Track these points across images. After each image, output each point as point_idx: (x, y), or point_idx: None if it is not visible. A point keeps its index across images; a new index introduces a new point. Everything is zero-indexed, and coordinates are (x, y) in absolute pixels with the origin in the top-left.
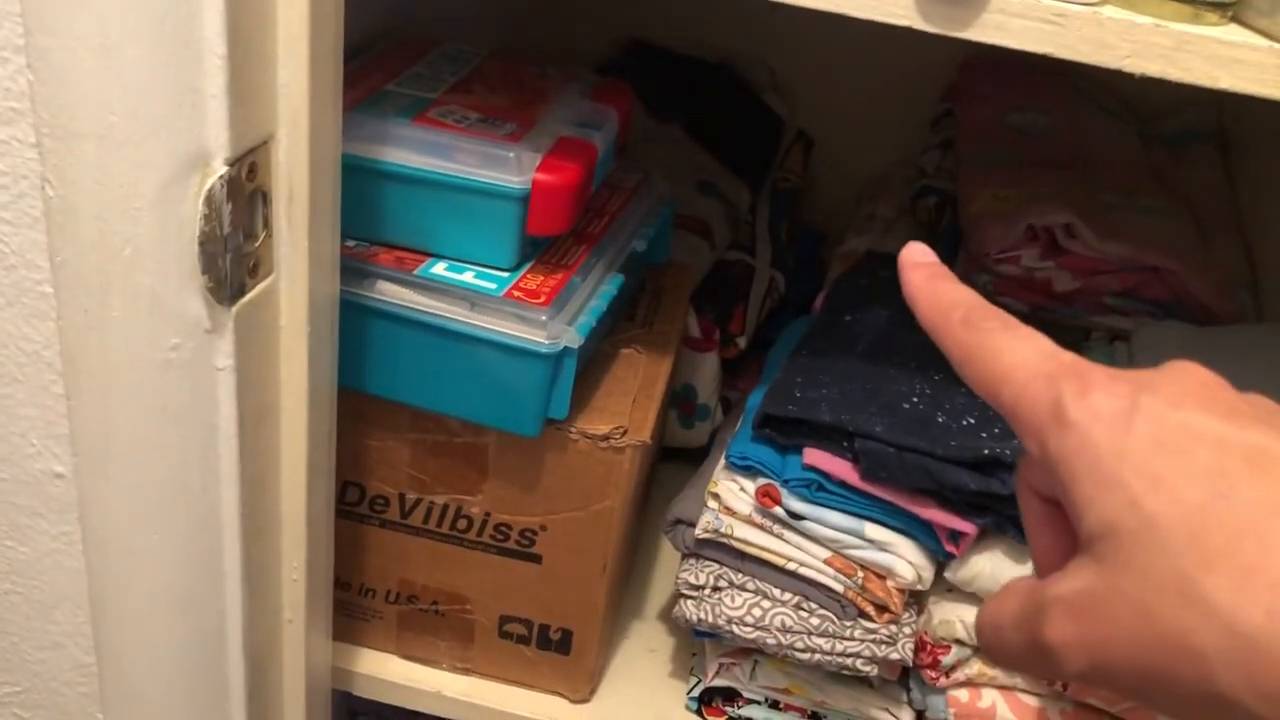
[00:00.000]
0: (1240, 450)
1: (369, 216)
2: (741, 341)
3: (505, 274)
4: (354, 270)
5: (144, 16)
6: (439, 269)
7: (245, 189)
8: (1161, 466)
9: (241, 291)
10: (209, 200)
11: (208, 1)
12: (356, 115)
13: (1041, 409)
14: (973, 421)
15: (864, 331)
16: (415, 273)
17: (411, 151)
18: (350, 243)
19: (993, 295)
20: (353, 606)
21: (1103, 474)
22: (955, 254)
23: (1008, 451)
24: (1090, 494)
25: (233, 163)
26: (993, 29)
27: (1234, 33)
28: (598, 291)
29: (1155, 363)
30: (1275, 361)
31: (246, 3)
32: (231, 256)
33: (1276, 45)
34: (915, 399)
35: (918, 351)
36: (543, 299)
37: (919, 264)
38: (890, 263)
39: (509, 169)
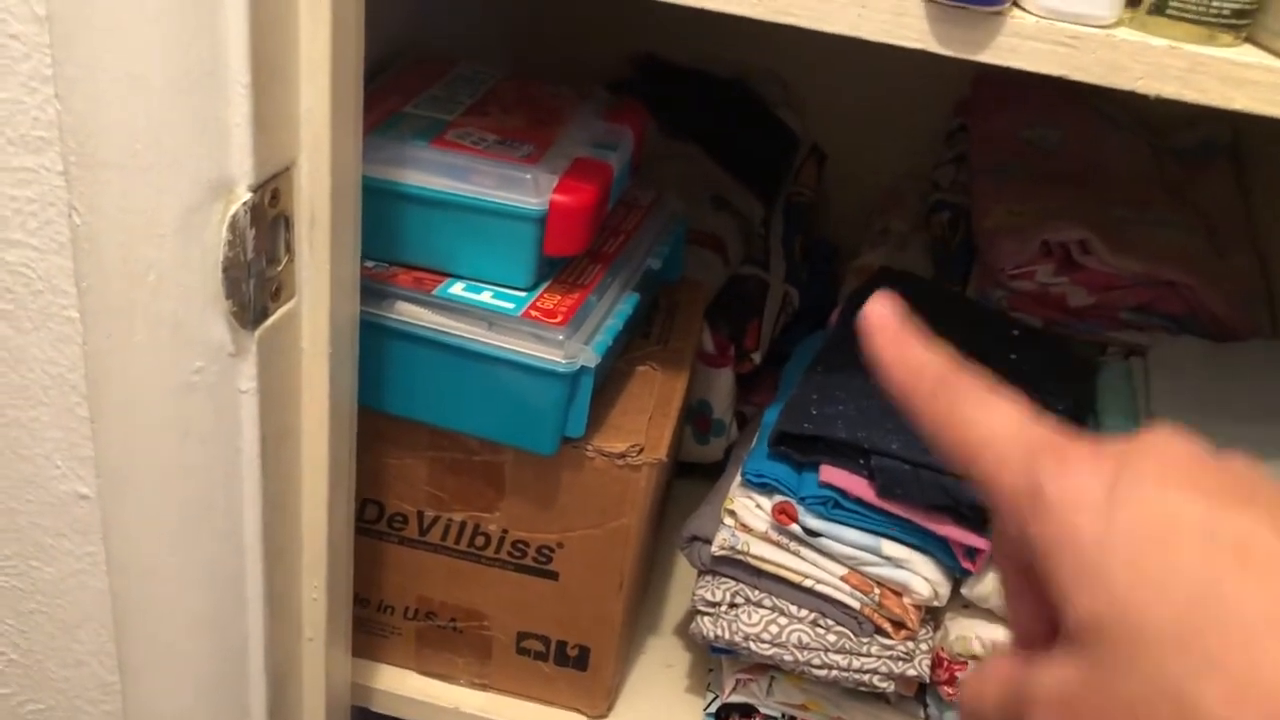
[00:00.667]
0: (1229, 541)
1: (388, 238)
2: (756, 357)
3: (523, 294)
4: (373, 291)
5: (169, 47)
6: (457, 289)
7: (268, 215)
8: (1148, 561)
9: (264, 315)
10: (232, 226)
11: (232, 31)
12: (375, 138)
13: (1019, 490)
14: None
15: None
16: (434, 293)
17: (430, 174)
18: (369, 263)
19: (1007, 310)
20: (372, 623)
21: (1087, 568)
22: (969, 269)
23: None
24: (1074, 588)
25: (256, 189)
26: (1007, 51)
27: (1248, 53)
28: (614, 310)
29: (1173, 378)
30: None
31: (270, 32)
32: (254, 281)
33: None
34: None
35: None
36: (560, 319)
37: (883, 325)
38: (904, 279)
39: (526, 190)
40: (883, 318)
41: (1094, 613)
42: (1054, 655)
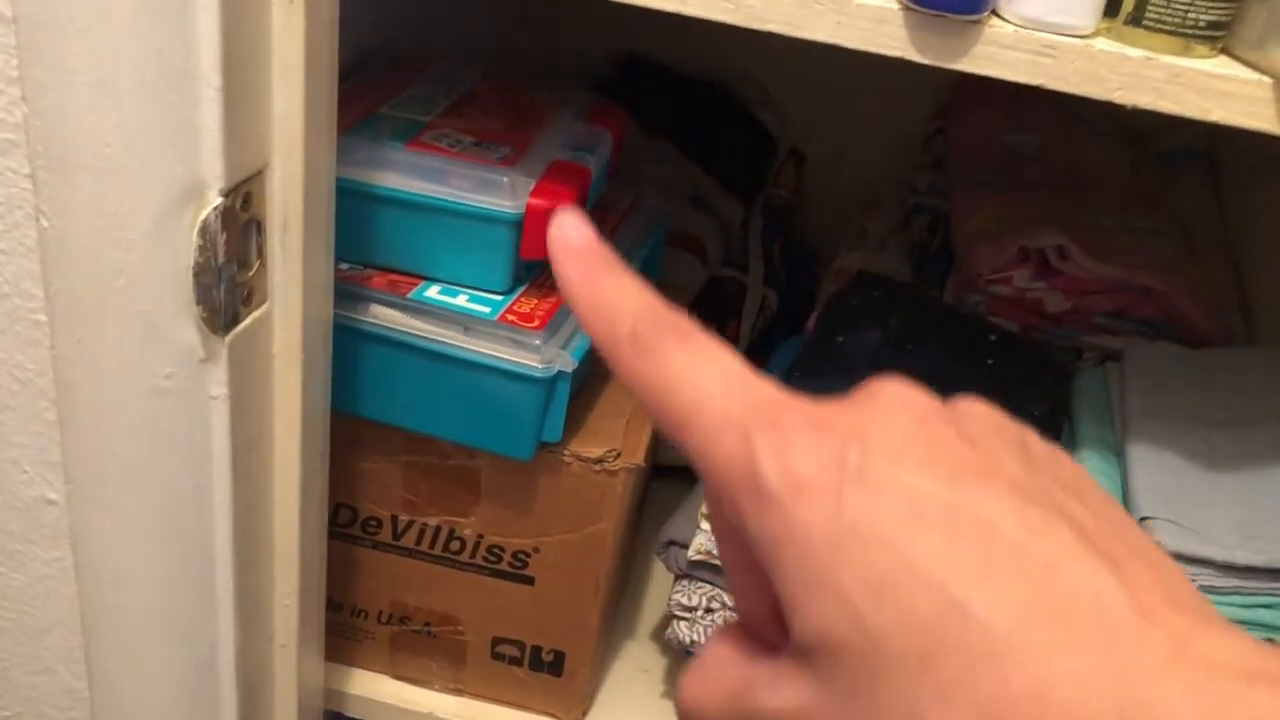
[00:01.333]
0: (971, 532)
1: (362, 240)
2: None
3: (499, 298)
4: (347, 293)
5: (139, 50)
6: (433, 292)
7: (240, 219)
8: (883, 565)
9: (235, 321)
10: (203, 231)
11: (203, 34)
12: (350, 139)
13: (735, 473)
14: None
15: (856, 352)
16: (409, 296)
17: (405, 176)
18: (344, 265)
19: (985, 315)
20: (345, 627)
21: (815, 573)
22: (948, 273)
23: None
24: (803, 597)
25: (227, 193)
26: (985, 60)
27: (1224, 65)
28: None
29: (1148, 383)
30: (1266, 384)
31: (242, 35)
32: (225, 286)
33: (1265, 78)
34: None
35: (909, 373)
36: (536, 323)
37: (572, 249)
38: (882, 283)
39: (503, 194)
40: (572, 240)
41: (828, 628)
42: (782, 669)
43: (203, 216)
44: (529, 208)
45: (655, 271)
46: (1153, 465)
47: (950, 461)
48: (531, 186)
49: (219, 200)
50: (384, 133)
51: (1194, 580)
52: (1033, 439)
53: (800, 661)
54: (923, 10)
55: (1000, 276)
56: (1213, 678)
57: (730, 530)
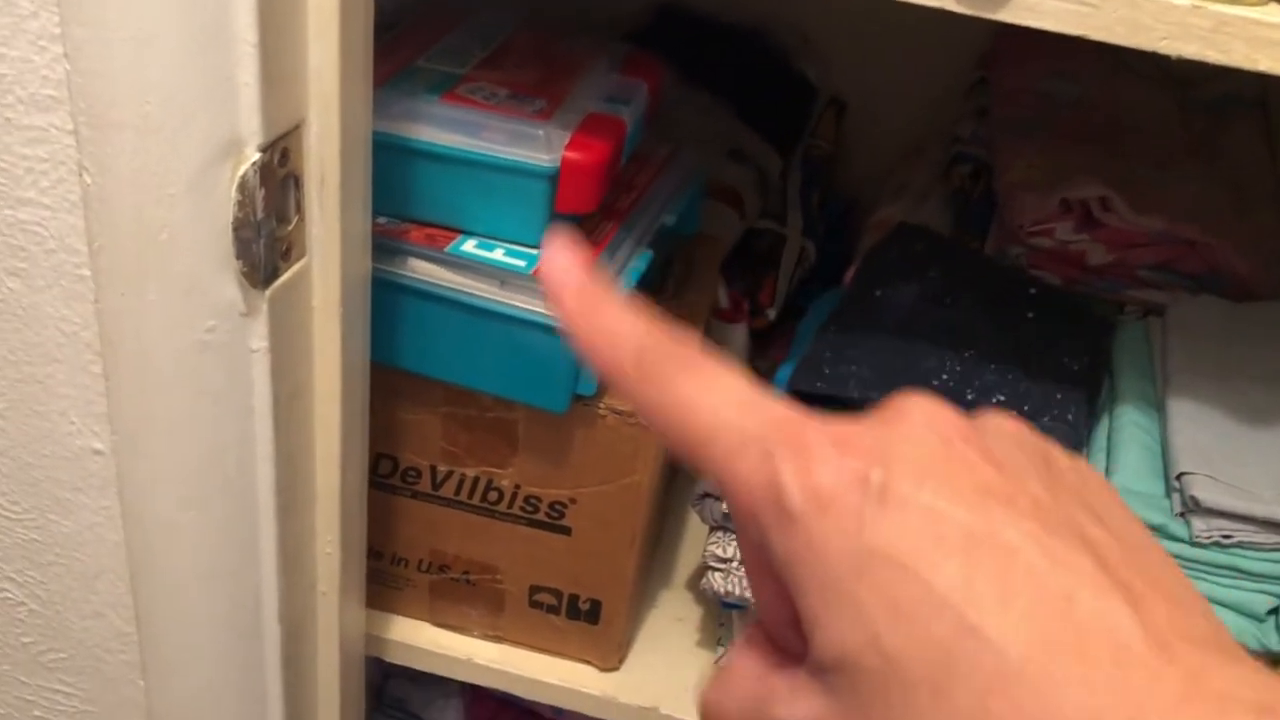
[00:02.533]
0: (991, 559)
1: (399, 194)
2: (771, 313)
3: (534, 251)
4: (385, 248)
5: (176, 6)
6: (469, 246)
7: (277, 174)
8: (902, 589)
9: (275, 275)
10: (242, 186)
11: None
12: (386, 92)
13: (757, 492)
14: (1003, 398)
15: (894, 307)
16: (446, 250)
17: (440, 129)
18: (381, 220)
19: (1025, 268)
20: (385, 575)
21: (835, 591)
22: (989, 223)
23: (1037, 429)
24: (824, 614)
25: (265, 149)
26: (1025, 11)
27: (1274, 13)
28: (626, 268)
29: (1191, 337)
30: None
31: None
32: (265, 241)
33: None
34: (945, 376)
35: (948, 328)
36: None
37: (566, 284)
38: (922, 235)
39: (538, 147)
40: (564, 273)
41: (845, 648)
42: (799, 683)
43: (241, 172)
44: (564, 161)
45: (692, 224)
46: (1193, 420)
47: (974, 484)
48: (566, 139)
49: (257, 156)
50: (419, 86)
51: (1233, 536)
52: (1057, 454)
53: (817, 677)
54: None
55: (1042, 228)
56: (1224, 713)
57: (750, 548)
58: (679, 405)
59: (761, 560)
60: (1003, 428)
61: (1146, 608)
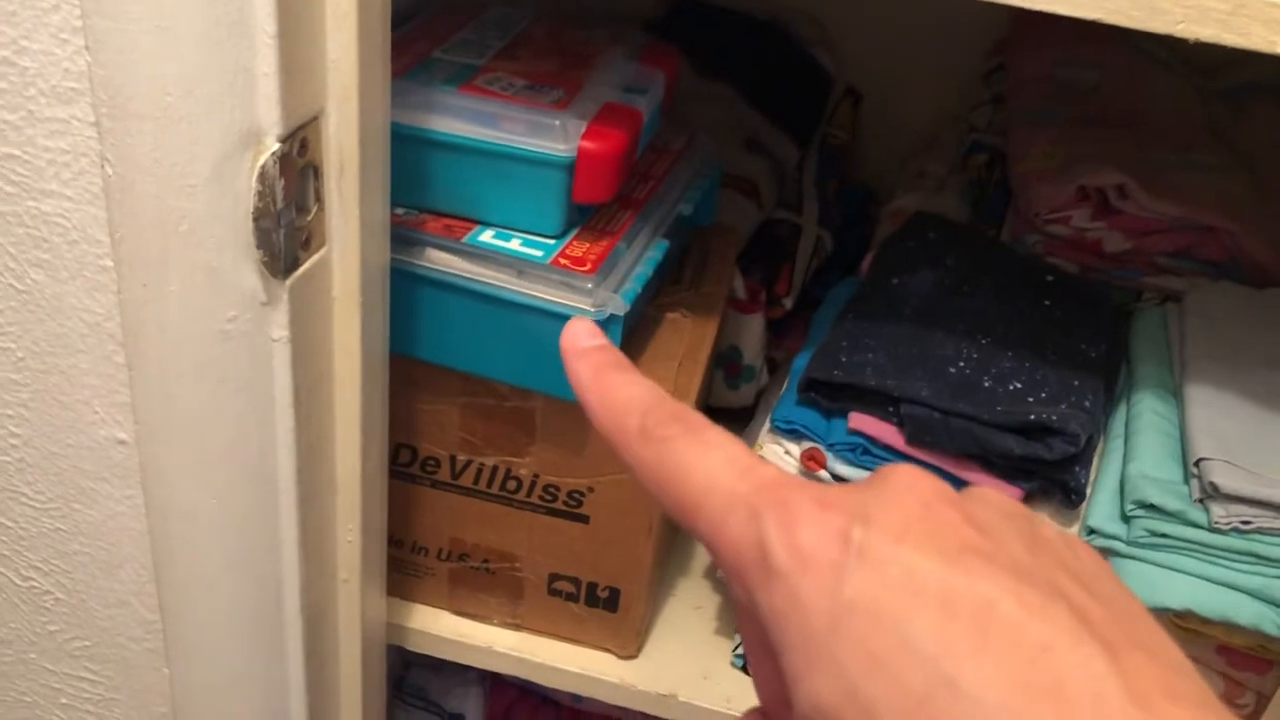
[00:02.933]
0: (968, 610)
1: (417, 185)
2: (787, 302)
3: (552, 241)
4: (404, 238)
5: None
6: (486, 236)
7: (297, 164)
8: (881, 641)
9: (295, 264)
10: (262, 176)
11: None
12: (404, 84)
13: (744, 551)
14: (1019, 386)
15: (910, 295)
16: (463, 240)
17: (458, 120)
18: (399, 210)
19: (1042, 256)
20: (406, 564)
21: (815, 646)
22: (1005, 213)
23: (1054, 417)
24: (804, 670)
25: (284, 139)
26: None
27: None
28: (643, 258)
29: (1209, 324)
30: None
31: None
32: (285, 231)
33: None
34: (961, 363)
35: (964, 315)
36: (588, 266)
37: (583, 351)
38: (938, 224)
39: (555, 137)
40: (583, 339)
41: (824, 700)
42: None
43: (261, 162)
44: (580, 150)
45: (708, 214)
46: (1211, 407)
47: (953, 543)
48: (583, 129)
49: (276, 146)
50: (437, 77)
51: (1252, 522)
52: (1045, 526)
53: None
54: None
55: (1058, 216)
56: None
57: (748, 613)
58: (677, 467)
59: (757, 633)
60: (989, 497)
61: (1128, 664)
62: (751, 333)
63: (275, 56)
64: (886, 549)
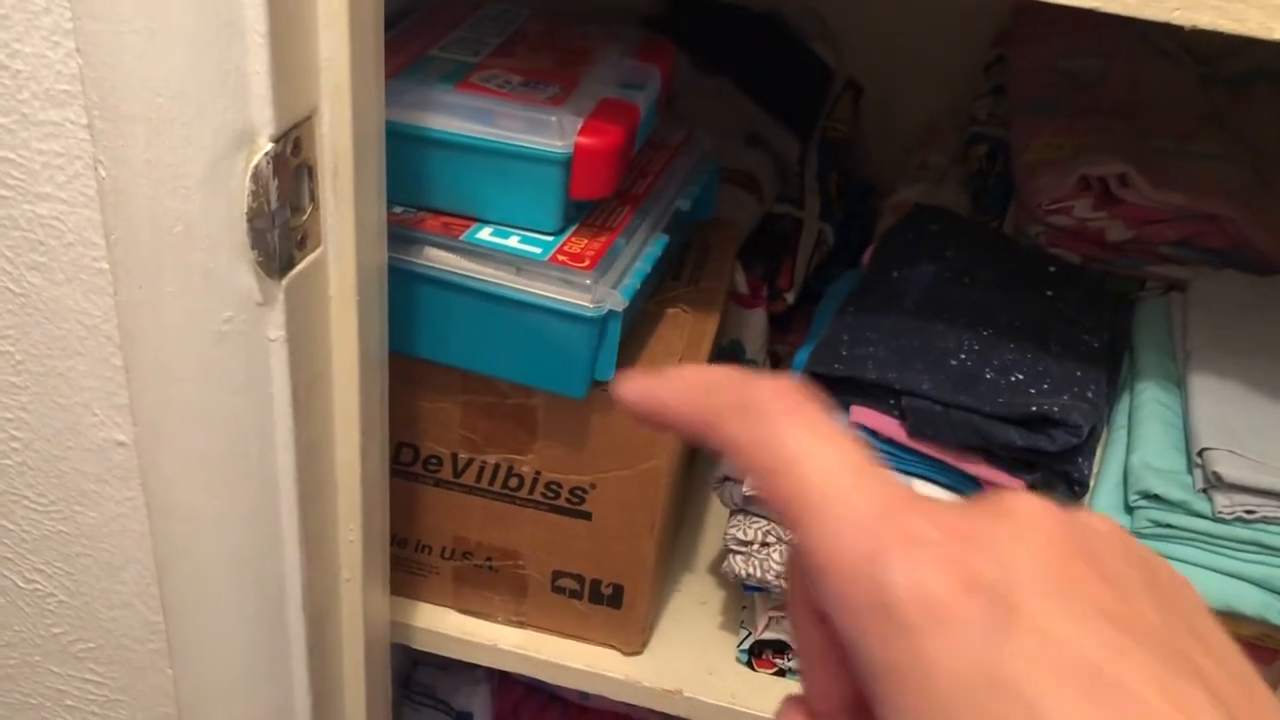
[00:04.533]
0: (1111, 699)
1: (414, 183)
2: (789, 296)
3: (550, 238)
4: (401, 237)
5: None
6: (485, 234)
7: (290, 164)
8: (1012, 718)
9: (290, 264)
10: (255, 177)
11: None
12: (400, 82)
13: (860, 585)
14: (1021, 378)
15: (911, 287)
16: (461, 238)
17: (455, 118)
18: (397, 209)
19: (1044, 246)
20: (409, 562)
21: (935, 711)
22: (1007, 203)
23: (1056, 408)
24: None
25: (278, 139)
26: None
27: None
28: (642, 253)
29: (1213, 313)
30: None
31: None
32: (279, 231)
33: None
34: (963, 355)
35: (965, 307)
36: (587, 263)
37: (636, 385)
38: (939, 216)
39: (551, 133)
40: (634, 383)
41: None
42: None
43: (254, 163)
44: (577, 146)
45: (707, 209)
46: (1214, 396)
47: (1094, 608)
48: (580, 125)
49: (270, 146)
50: (434, 75)
51: (1256, 511)
52: (1160, 567)
53: None
54: None
55: (1060, 206)
56: None
57: (813, 622)
58: (786, 457)
59: (822, 643)
60: (1104, 531)
61: None
62: (754, 327)
63: (266, 56)
64: (1033, 617)
